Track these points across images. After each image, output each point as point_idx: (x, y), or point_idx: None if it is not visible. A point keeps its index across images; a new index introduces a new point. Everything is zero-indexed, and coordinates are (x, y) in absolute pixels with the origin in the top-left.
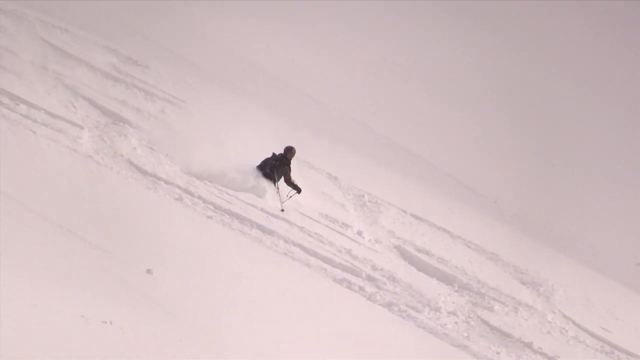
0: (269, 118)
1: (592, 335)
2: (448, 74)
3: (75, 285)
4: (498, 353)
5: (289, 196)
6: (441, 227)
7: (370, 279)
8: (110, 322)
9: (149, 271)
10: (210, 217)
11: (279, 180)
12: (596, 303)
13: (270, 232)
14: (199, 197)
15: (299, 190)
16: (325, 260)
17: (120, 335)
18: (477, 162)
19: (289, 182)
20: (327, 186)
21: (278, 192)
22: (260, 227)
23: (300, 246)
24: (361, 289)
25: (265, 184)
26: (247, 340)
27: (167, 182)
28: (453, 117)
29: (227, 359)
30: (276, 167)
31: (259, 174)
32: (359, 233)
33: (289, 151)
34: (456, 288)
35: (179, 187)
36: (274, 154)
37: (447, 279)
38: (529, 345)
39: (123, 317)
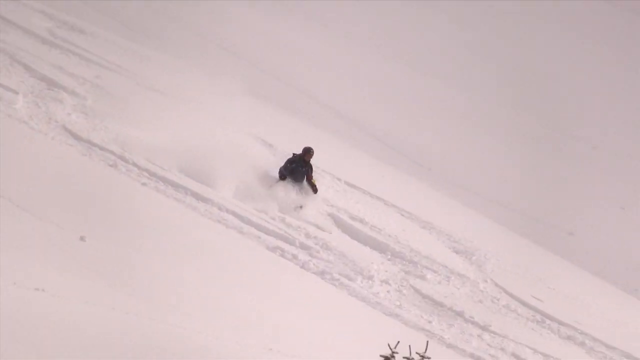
0: (207, 83)
1: (524, 304)
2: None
3: (6, 252)
4: (430, 322)
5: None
6: (375, 195)
7: (303, 247)
8: (43, 290)
9: (82, 238)
10: (144, 184)
11: (301, 181)
12: (528, 272)
13: (205, 200)
14: (134, 164)
15: (315, 191)
16: (259, 228)
17: (52, 301)
18: (411, 129)
19: (310, 181)
20: (262, 153)
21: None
22: (195, 195)
23: (234, 214)
24: (294, 257)
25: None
26: (179, 305)
27: (101, 149)
28: (398, 78)
29: (159, 324)
30: (296, 171)
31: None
32: (296, 202)
33: (307, 152)
34: (389, 256)
35: (114, 154)
36: (294, 154)
37: (380, 247)
38: (460, 314)
39: (55, 283)
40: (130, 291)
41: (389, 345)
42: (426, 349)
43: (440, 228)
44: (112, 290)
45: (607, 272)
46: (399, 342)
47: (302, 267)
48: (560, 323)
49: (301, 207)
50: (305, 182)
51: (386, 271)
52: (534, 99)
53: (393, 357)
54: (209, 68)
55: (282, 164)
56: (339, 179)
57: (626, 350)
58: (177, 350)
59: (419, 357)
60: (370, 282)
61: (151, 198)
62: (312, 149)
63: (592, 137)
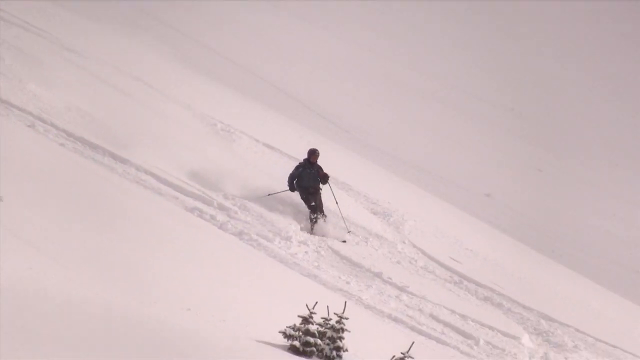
0: (131, 48)
1: (441, 265)
2: None
3: None
4: (348, 282)
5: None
6: (293, 157)
7: (221, 207)
8: None
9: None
10: (62, 145)
11: (316, 184)
12: (446, 233)
13: (123, 160)
14: (52, 125)
15: (326, 179)
16: (177, 189)
17: None
18: (330, 92)
19: (324, 178)
20: (181, 114)
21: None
22: (112, 155)
23: (152, 174)
24: (212, 217)
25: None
26: (96, 263)
27: (19, 109)
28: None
29: (74, 282)
30: (304, 175)
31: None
32: (212, 161)
33: (312, 154)
34: (306, 217)
35: (32, 115)
36: (300, 162)
37: (298, 208)
38: (378, 275)
39: None
40: (39, 252)
41: (307, 305)
42: (344, 310)
43: (358, 190)
44: (23, 250)
45: (522, 233)
46: (317, 302)
47: (220, 227)
48: (478, 284)
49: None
50: (321, 184)
51: (304, 232)
52: (442, 64)
53: (311, 317)
54: (135, 35)
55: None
56: (257, 140)
57: (542, 312)
58: (92, 314)
59: (337, 318)
60: (288, 243)
61: (68, 158)
62: (317, 150)
63: (509, 102)
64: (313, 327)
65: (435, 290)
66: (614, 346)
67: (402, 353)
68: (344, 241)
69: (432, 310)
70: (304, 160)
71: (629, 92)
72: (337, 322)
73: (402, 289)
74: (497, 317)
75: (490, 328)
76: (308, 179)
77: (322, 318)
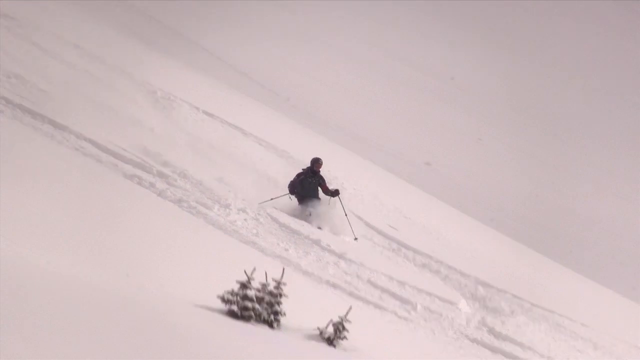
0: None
1: (380, 233)
2: None
3: None
4: (286, 250)
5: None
6: (233, 124)
7: (161, 175)
8: None
9: None
10: (1, 112)
11: (316, 194)
12: (385, 201)
13: (62, 127)
14: None
15: (336, 194)
16: (116, 156)
17: None
18: (268, 60)
19: (326, 191)
20: (119, 81)
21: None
22: (52, 122)
23: (91, 141)
24: (152, 185)
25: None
26: (29, 233)
27: None
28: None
29: (15, 258)
30: (305, 182)
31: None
32: (152, 129)
33: (316, 162)
34: (246, 185)
35: None
36: (302, 169)
37: (238, 176)
38: (317, 243)
39: None
40: None
41: (245, 272)
42: (282, 276)
43: (297, 157)
44: None
45: (461, 201)
46: (255, 268)
47: (160, 195)
48: (416, 251)
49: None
50: (322, 194)
51: (243, 200)
52: (380, 32)
53: (249, 283)
54: (77, 4)
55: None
56: (197, 108)
57: (480, 278)
58: (33, 283)
59: (275, 284)
60: (227, 210)
61: (6, 126)
62: (320, 159)
63: (449, 72)
64: (251, 292)
65: (373, 257)
66: (550, 311)
67: (339, 318)
68: (356, 239)
69: (370, 276)
70: (307, 168)
71: (573, 54)
72: (275, 287)
73: (340, 256)
74: (434, 283)
75: (428, 294)
76: (308, 188)
77: (260, 284)
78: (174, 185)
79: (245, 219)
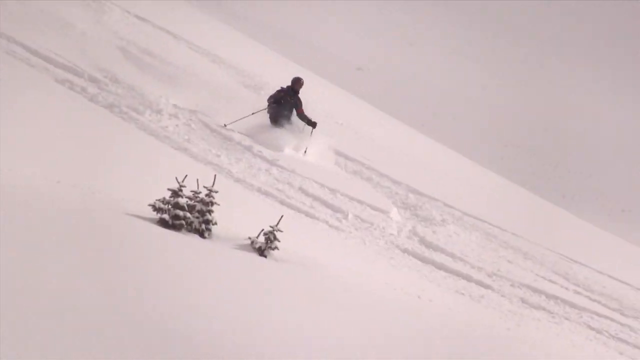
0: None
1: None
2: None
3: None
4: (218, 156)
5: (305, 131)
6: (164, 29)
7: (92, 79)
8: None
9: None
10: None
11: (290, 113)
12: (315, 106)
13: None
14: None
15: (314, 125)
16: (48, 60)
17: None
18: None
19: (302, 115)
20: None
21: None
22: None
23: (22, 45)
24: (83, 89)
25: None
26: None
27: None
28: None
29: None
30: (285, 102)
31: (269, 112)
32: (83, 33)
33: (297, 82)
34: (178, 90)
35: None
36: (281, 87)
37: (169, 81)
38: (249, 149)
39: None
40: None
41: (176, 179)
42: (214, 183)
43: (230, 62)
44: None
45: (394, 107)
46: (186, 175)
47: (91, 100)
48: (347, 158)
49: (305, 151)
50: (296, 116)
51: (175, 105)
52: None
53: (181, 190)
54: None
55: None
56: (129, 12)
57: (411, 186)
58: None
59: (207, 191)
60: (159, 115)
61: None
62: (301, 78)
63: None
64: (182, 201)
65: (304, 165)
66: (482, 220)
67: (271, 226)
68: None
69: (301, 184)
70: (287, 87)
71: None
72: (207, 195)
73: (272, 163)
74: (366, 191)
75: (359, 202)
76: (285, 106)
77: (191, 191)
78: (106, 90)
79: (177, 125)
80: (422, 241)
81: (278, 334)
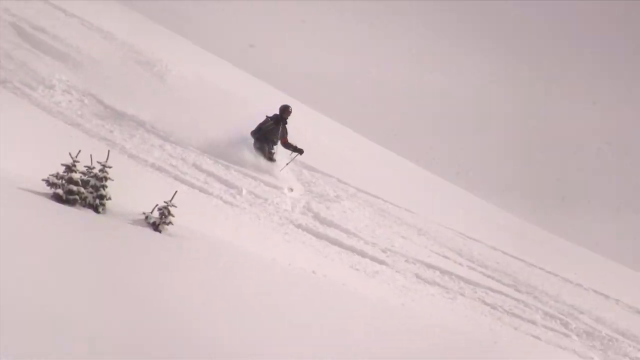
0: None
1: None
2: None
3: None
4: (111, 131)
5: (290, 159)
6: (55, 5)
7: None
8: None
9: None
10: None
11: (275, 143)
12: (207, 81)
13: None
14: None
15: (300, 152)
16: None
17: None
18: None
19: (288, 144)
20: None
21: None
22: None
23: None
24: None
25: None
26: None
27: None
28: None
29: None
30: (271, 131)
31: (253, 142)
32: None
33: (285, 110)
34: (70, 66)
35: None
36: (267, 116)
37: (62, 58)
38: (142, 124)
39: None
40: None
41: (70, 154)
42: (107, 158)
43: (122, 39)
44: None
45: (285, 83)
46: (80, 151)
47: None
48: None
49: (292, 189)
50: (279, 145)
51: (68, 81)
52: None
53: (74, 166)
54: None
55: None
56: None
57: (305, 162)
58: None
59: (100, 167)
60: (51, 91)
61: None
62: (290, 106)
63: None
64: (76, 176)
65: (198, 139)
66: (375, 196)
67: (165, 202)
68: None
69: (195, 159)
70: (275, 115)
71: None
72: (101, 170)
73: (165, 139)
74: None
75: (254, 178)
76: (272, 134)
77: (85, 167)
78: None
79: (70, 101)
80: (316, 217)
81: (169, 304)
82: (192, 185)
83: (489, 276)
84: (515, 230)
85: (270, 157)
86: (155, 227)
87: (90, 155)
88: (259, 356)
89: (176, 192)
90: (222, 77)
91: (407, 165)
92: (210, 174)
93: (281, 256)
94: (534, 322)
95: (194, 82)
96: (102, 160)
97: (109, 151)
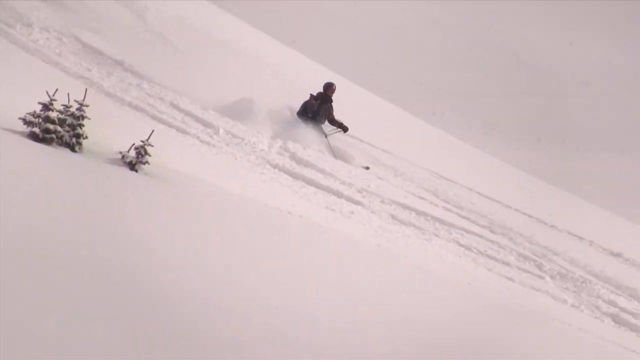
0: None
1: (181, 52)
2: None
3: None
4: (89, 70)
5: (330, 134)
6: None
7: None
8: None
9: None
10: None
11: (323, 122)
12: (188, 20)
13: None
14: None
15: (345, 129)
16: None
17: None
18: None
19: (334, 121)
20: None
21: (326, 136)
22: None
23: None
24: None
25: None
26: None
27: None
28: None
29: None
30: (319, 108)
31: (302, 120)
32: None
33: (329, 87)
34: (49, 3)
35: None
36: (311, 95)
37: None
38: (120, 63)
39: None
40: None
41: (47, 92)
42: (84, 97)
43: None
44: None
45: (264, 21)
46: (57, 89)
47: None
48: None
49: (368, 167)
50: (327, 122)
51: (46, 18)
52: None
53: (51, 104)
54: None
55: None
56: None
57: (287, 103)
58: None
59: (78, 105)
60: (29, 29)
61: None
62: (334, 84)
63: None
64: (53, 114)
65: (175, 76)
66: (352, 137)
67: (142, 141)
68: (367, 167)
69: (172, 99)
70: (319, 93)
71: None
72: (78, 109)
73: (143, 77)
74: (239, 107)
75: (231, 118)
76: (321, 113)
77: (62, 105)
78: None
79: (47, 39)
80: (293, 157)
81: (145, 245)
82: (169, 125)
83: (464, 217)
84: (491, 171)
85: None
86: (132, 166)
87: (68, 93)
88: (227, 293)
89: (153, 131)
90: (201, 15)
91: (385, 105)
92: (187, 113)
93: (257, 196)
94: (508, 264)
95: (173, 20)
96: (80, 99)
97: (86, 89)
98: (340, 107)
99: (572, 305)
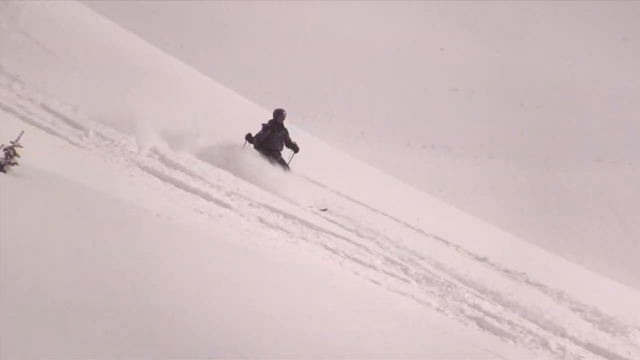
0: None
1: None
2: None
3: None
4: None
5: (290, 158)
6: None
7: None
8: None
9: None
10: None
11: (281, 149)
12: (60, 22)
13: None
14: None
15: (296, 150)
16: None
17: None
18: None
19: (289, 144)
20: None
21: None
22: None
23: None
24: None
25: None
26: None
27: None
28: None
29: None
30: (272, 137)
31: (260, 155)
32: None
33: (279, 114)
34: None
35: None
36: (263, 124)
37: None
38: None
39: None
40: None
41: None
42: None
43: None
44: None
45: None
46: None
47: None
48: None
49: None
50: (285, 147)
51: None
52: None
53: None
54: None
55: None
56: None
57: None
58: None
59: None
60: None
61: None
62: (283, 110)
63: None
64: None
65: (47, 77)
66: (222, 139)
67: (11, 142)
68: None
69: (43, 100)
70: (270, 121)
71: None
72: None
73: (14, 78)
74: (110, 108)
75: (101, 121)
76: (274, 142)
77: None
78: None
79: None
80: (163, 159)
81: (15, 248)
82: (39, 126)
83: (332, 221)
84: (358, 175)
85: (282, 164)
86: (0, 167)
87: None
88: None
89: (22, 132)
90: (77, 19)
91: (250, 106)
92: (58, 114)
93: (125, 198)
94: (374, 267)
95: (44, 22)
96: None
97: None
98: (206, 110)
99: (437, 309)
